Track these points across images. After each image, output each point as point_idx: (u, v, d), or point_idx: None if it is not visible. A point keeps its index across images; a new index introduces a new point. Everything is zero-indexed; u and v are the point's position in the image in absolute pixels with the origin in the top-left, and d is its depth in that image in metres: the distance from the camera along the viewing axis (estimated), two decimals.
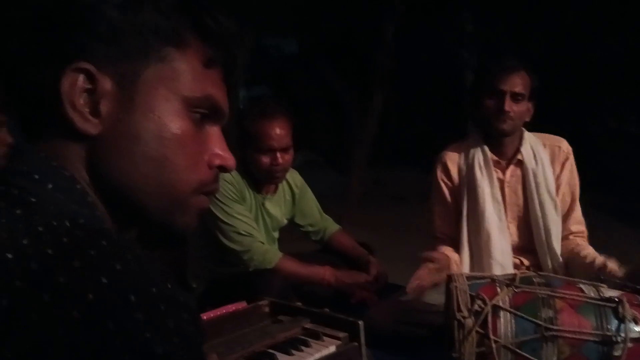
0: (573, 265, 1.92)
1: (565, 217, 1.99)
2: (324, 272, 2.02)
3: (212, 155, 0.61)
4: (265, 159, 1.96)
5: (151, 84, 0.56)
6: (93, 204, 0.55)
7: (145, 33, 0.56)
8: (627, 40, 7.94)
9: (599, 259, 1.84)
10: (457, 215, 2.03)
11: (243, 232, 1.96)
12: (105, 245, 0.46)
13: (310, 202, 2.32)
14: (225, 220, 1.96)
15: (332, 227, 2.37)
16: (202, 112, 0.59)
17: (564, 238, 1.97)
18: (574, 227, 1.99)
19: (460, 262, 1.96)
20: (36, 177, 0.52)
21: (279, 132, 1.95)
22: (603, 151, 8.65)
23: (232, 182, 1.99)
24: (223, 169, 0.63)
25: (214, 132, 0.62)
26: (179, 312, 0.46)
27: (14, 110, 0.55)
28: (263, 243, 2.01)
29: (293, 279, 1.95)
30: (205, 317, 1.42)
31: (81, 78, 0.54)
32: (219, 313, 1.46)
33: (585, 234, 2.01)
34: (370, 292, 2.08)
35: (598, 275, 1.67)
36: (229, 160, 0.63)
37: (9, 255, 0.44)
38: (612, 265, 1.74)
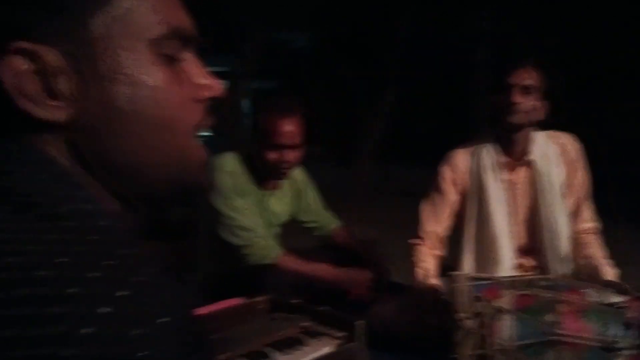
0: (579, 264, 1.89)
1: (575, 216, 1.95)
2: (324, 270, 2.00)
3: (197, 88, 0.53)
4: (273, 155, 1.94)
5: (106, 38, 0.47)
6: (81, 186, 0.47)
7: None
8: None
9: (603, 269, 1.81)
10: (456, 216, 2.00)
11: (244, 227, 1.94)
12: (110, 265, 0.39)
13: (314, 199, 2.30)
14: (228, 213, 1.94)
15: (334, 223, 2.35)
16: (172, 49, 0.51)
17: (573, 237, 1.94)
18: (582, 226, 1.95)
19: (462, 264, 1.93)
20: (8, 168, 0.45)
21: (290, 129, 1.93)
22: (615, 153, 8.56)
23: (236, 176, 1.97)
24: (212, 99, 0.55)
25: (190, 61, 0.53)
26: (192, 352, 0.40)
27: None
28: (264, 238, 1.99)
29: (293, 275, 1.93)
30: (201, 313, 1.41)
31: (20, 60, 0.45)
32: (215, 309, 1.45)
33: (596, 229, 1.97)
34: (370, 290, 2.06)
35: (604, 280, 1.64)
36: (216, 87, 0.55)
37: (10, 260, 0.38)
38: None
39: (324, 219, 2.33)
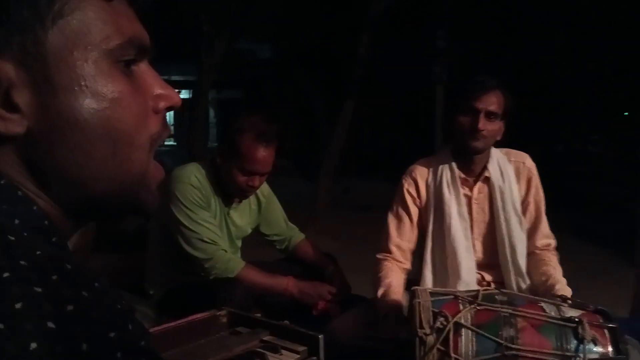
0: (535, 281, 1.92)
1: (532, 232, 1.99)
2: (287, 283, 1.99)
3: (154, 98, 0.52)
4: (243, 178, 1.94)
5: (61, 50, 0.46)
6: (27, 199, 0.46)
7: None
8: (592, 66, 8.21)
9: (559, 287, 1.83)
10: (418, 231, 2.01)
11: (207, 240, 1.91)
12: (55, 280, 0.38)
13: (277, 212, 2.29)
14: (189, 226, 1.91)
15: (297, 236, 2.34)
16: (127, 59, 0.50)
17: (531, 253, 1.97)
18: (539, 242, 1.98)
19: (423, 278, 1.94)
20: None
21: (267, 159, 1.94)
22: (567, 170, 8.89)
23: (199, 188, 1.94)
24: (170, 109, 0.54)
25: (145, 71, 0.52)
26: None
27: None
28: (226, 251, 1.96)
29: (255, 288, 1.91)
30: (160, 327, 1.37)
31: None
32: (175, 322, 1.41)
33: (553, 245, 2.01)
34: (333, 303, 2.05)
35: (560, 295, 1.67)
36: (174, 97, 0.54)
37: None
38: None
39: (287, 232, 2.32)
